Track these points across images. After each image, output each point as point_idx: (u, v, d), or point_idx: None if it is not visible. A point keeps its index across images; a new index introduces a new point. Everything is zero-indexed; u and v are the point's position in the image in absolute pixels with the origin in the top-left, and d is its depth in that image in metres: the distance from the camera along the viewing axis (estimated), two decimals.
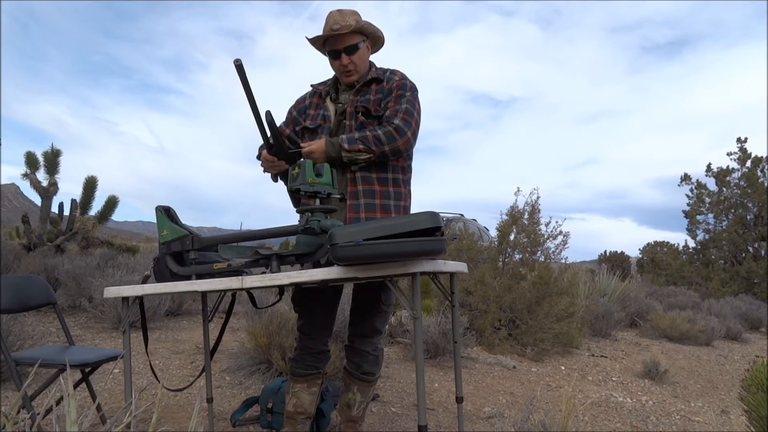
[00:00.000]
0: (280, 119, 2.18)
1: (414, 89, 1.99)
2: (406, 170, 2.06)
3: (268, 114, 1.77)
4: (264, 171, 2.06)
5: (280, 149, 1.89)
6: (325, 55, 2.01)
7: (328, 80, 2.09)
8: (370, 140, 1.85)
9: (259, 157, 2.10)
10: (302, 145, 1.91)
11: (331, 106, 2.04)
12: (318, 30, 1.96)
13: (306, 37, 1.98)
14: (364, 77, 2.01)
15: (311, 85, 2.15)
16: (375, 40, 2.03)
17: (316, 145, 1.88)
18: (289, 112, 2.15)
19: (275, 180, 2.08)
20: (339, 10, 1.94)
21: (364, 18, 1.97)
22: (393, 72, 2.03)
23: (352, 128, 1.96)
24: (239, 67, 1.61)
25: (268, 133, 1.84)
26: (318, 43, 2.00)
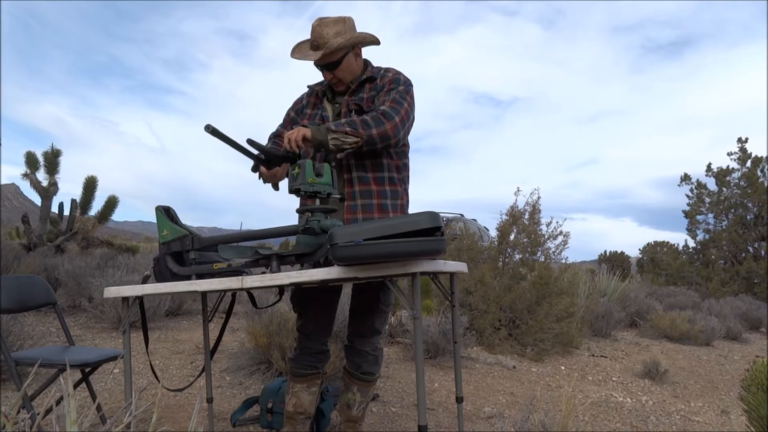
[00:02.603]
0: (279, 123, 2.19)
1: (408, 83, 1.97)
2: (402, 169, 2.05)
3: (250, 141, 1.81)
4: (264, 182, 2.06)
5: (274, 157, 1.92)
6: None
7: (325, 80, 2.09)
8: (357, 123, 1.80)
9: (253, 170, 2.06)
10: (287, 134, 1.87)
11: (328, 107, 2.04)
12: None
13: (292, 56, 1.97)
14: (359, 78, 2.01)
15: (308, 86, 2.15)
16: (364, 44, 2.00)
17: (298, 128, 1.84)
18: (287, 114, 2.15)
19: (276, 188, 2.09)
20: (321, 22, 1.90)
21: (363, 19, 1.96)
22: (387, 70, 2.02)
23: None
24: (214, 131, 1.65)
25: (259, 155, 1.89)
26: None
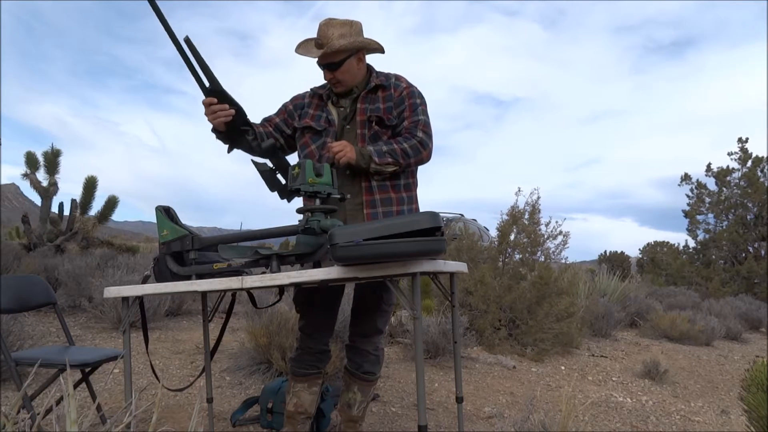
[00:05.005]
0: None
1: (422, 96, 2.02)
2: (414, 173, 2.08)
3: (188, 40, 1.62)
4: (212, 129, 1.84)
5: (215, 84, 1.70)
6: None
7: (326, 81, 2.09)
8: (398, 154, 1.89)
9: (216, 135, 1.88)
10: (330, 144, 1.89)
11: (333, 110, 2.04)
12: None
13: (295, 51, 1.98)
14: (366, 84, 2.01)
15: (311, 89, 2.14)
16: (369, 50, 2.01)
17: (348, 146, 1.86)
18: (284, 105, 2.12)
19: (230, 149, 1.91)
20: (328, 23, 1.91)
21: (365, 19, 1.96)
22: (397, 78, 2.03)
23: (365, 137, 1.96)
24: (187, 40, 1.56)
25: (197, 67, 1.65)
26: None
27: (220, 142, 1.91)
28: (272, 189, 1.91)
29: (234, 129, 1.81)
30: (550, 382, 3.91)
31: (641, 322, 7.01)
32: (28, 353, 2.23)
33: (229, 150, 1.91)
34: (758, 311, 8.47)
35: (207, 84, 1.70)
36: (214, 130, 1.85)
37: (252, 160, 1.91)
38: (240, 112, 1.78)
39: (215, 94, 1.72)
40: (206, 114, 1.78)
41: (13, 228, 9.98)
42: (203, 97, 1.74)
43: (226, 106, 1.75)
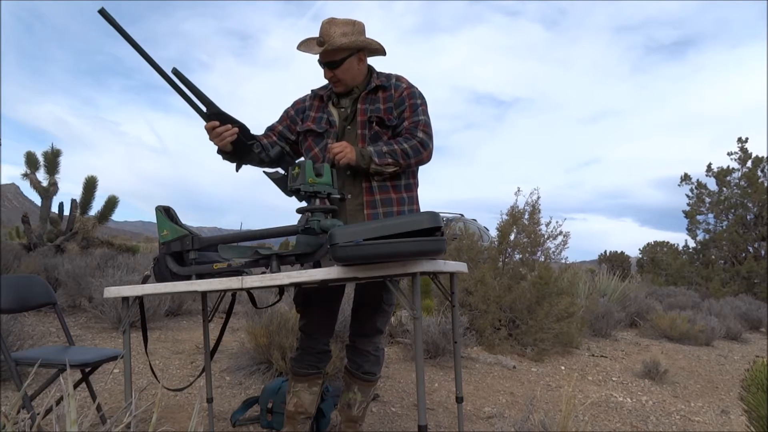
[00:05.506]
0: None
1: (423, 97, 2.02)
2: (416, 173, 2.08)
3: (176, 71, 1.63)
4: (218, 151, 1.85)
5: (212, 107, 1.71)
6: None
7: (329, 84, 2.09)
8: (398, 154, 1.89)
9: (222, 156, 1.90)
10: (331, 145, 1.89)
11: (334, 111, 2.04)
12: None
13: (297, 48, 1.98)
14: (367, 85, 2.01)
15: (312, 90, 2.14)
16: (370, 51, 2.01)
17: (348, 147, 1.86)
18: (286, 112, 2.13)
19: (238, 167, 1.91)
20: (331, 21, 1.91)
21: (365, 19, 1.95)
22: (398, 79, 2.03)
23: (366, 137, 1.96)
24: (175, 71, 1.58)
25: (192, 96, 1.68)
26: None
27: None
28: (289, 194, 1.90)
29: (240, 146, 1.83)
30: (550, 382, 3.91)
31: (641, 322, 7.01)
32: (28, 353, 2.23)
33: (238, 168, 1.92)
34: (758, 311, 8.47)
35: (204, 109, 1.72)
36: (220, 151, 1.86)
37: (263, 171, 1.91)
38: (243, 129, 1.80)
39: (215, 116, 1.74)
40: (211, 138, 1.79)
41: (13, 228, 9.99)
42: (204, 123, 1.75)
43: (229, 126, 1.76)
